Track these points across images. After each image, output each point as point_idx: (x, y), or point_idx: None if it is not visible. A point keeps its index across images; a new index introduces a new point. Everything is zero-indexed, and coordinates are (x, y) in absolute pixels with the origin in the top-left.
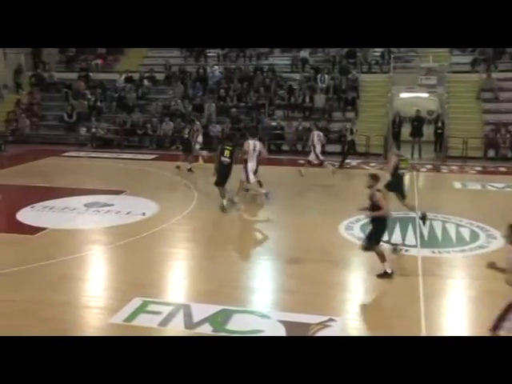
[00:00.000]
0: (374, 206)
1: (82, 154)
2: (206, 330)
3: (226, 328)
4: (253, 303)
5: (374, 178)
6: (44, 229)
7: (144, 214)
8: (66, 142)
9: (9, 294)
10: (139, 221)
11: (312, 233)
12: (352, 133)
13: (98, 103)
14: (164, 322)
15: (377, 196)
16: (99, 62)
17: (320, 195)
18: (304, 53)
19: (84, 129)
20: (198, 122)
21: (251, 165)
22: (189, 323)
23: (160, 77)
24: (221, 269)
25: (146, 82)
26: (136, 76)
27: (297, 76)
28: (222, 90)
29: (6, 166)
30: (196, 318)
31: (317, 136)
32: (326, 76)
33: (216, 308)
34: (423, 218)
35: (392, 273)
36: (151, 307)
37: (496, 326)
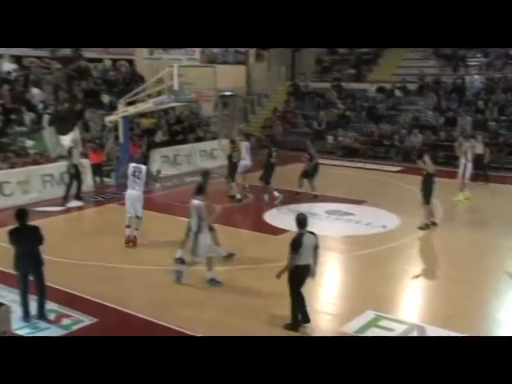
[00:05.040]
0: None
1: (327, 161)
2: None
3: None
4: None
5: None
6: (286, 231)
7: (384, 226)
8: None
9: (254, 287)
10: (378, 233)
11: None
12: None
13: (347, 112)
14: None
15: None
16: (352, 71)
17: None
18: None
19: (331, 137)
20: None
21: None
22: None
23: (412, 87)
24: (464, 294)
25: (397, 92)
26: (388, 86)
27: None
28: (480, 102)
29: (257, 169)
30: None
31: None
32: None
33: (454, 335)
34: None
35: None
36: (384, 323)
37: None
